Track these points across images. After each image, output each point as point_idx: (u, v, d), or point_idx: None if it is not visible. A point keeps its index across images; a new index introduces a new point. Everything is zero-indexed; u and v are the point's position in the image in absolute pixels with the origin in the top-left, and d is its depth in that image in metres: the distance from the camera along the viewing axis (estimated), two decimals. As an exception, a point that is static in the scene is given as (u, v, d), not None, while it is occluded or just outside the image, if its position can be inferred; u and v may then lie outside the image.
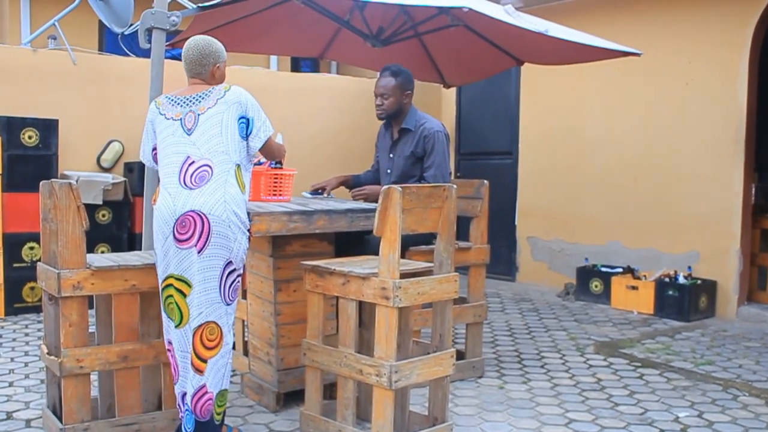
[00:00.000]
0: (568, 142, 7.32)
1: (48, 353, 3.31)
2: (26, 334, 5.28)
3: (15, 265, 5.83)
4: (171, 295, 3.07)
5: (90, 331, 3.28)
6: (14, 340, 5.13)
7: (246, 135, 3.18)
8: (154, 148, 3.28)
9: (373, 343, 3.20)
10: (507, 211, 7.80)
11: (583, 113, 7.22)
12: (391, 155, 4.58)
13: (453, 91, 8.31)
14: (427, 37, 5.68)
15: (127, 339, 3.28)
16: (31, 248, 5.84)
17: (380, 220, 3.08)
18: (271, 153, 3.44)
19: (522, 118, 7.76)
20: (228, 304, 3.10)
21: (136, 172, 6.27)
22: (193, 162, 3.07)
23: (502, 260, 7.78)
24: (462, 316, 4.34)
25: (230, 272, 3.07)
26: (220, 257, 3.02)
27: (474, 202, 4.45)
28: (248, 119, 3.18)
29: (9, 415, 3.69)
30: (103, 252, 6.08)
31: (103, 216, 6.17)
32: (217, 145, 3.08)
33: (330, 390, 3.66)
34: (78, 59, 6.37)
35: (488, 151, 8.17)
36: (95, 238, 5.97)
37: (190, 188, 3.02)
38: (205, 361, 3.06)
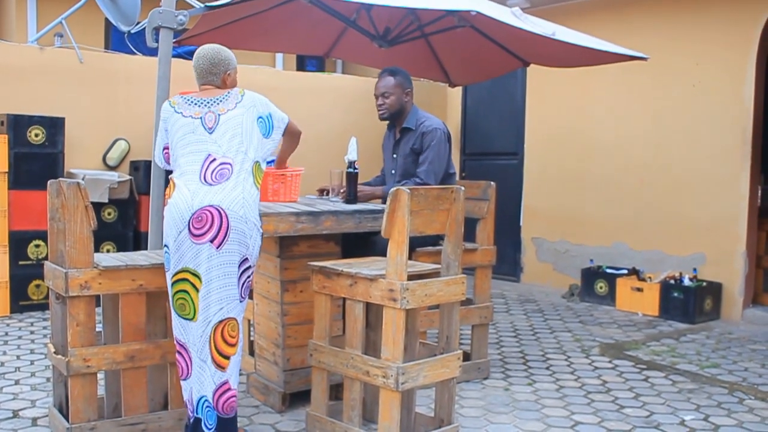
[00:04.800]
0: (574, 143, 7.31)
1: (55, 352, 3.31)
2: (32, 332, 5.28)
3: (21, 262, 5.83)
4: (184, 290, 3.06)
5: (97, 330, 3.28)
6: (20, 338, 5.13)
7: (268, 132, 3.27)
8: (165, 148, 3.31)
9: (379, 344, 3.20)
10: (512, 212, 7.80)
11: (589, 114, 7.21)
12: (394, 155, 4.58)
13: (459, 91, 8.31)
14: (433, 37, 5.68)
15: (134, 339, 3.28)
16: (37, 246, 5.85)
17: (388, 222, 3.08)
18: (293, 135, 3.51)
19: (528, 118, 7.76)
20: (241, 302, 3.13)
21: (141, 171, 6.27)
22: (214, 159, 3.11)
23: (507, 261, 7.78)
24: (468, 318, 4.34)
25: (246, 269, 3.10)
26: (238, 253, 3.04)
27: (480, 203, 4.45)
28: (265, 116, 3.27)
29: (15, 414, 3.70)
30: (108, 251, 6.09)
31: (109, 214, 6.17)
32: (239, 145, 3.13)
33: (336, 391, 3.66)
34: (84, 57, 6.38)
35: (494, 151, 8.16)
36: (101, 236, 5.97)
37: (210, 184, 3.06)
38: (227, 357, 3.08)
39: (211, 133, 3.16)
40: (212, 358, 3.06)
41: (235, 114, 3.18)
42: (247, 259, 3.08)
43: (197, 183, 3.08)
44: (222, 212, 3.01)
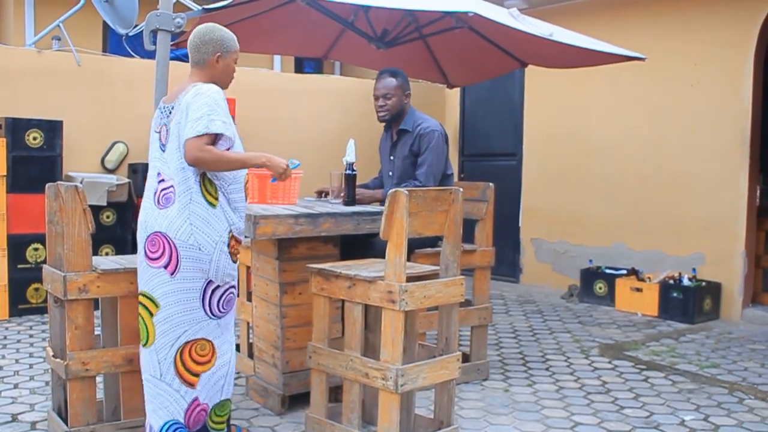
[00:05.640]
0: (573, 144, 7.31)
1: (53, 356, 3.31)
2: (30, 336, 5.28)
3: (19, 266, 5.82)
4: (138, 314, 3.00)
5: (96, 333, 3.28)
6: (19, 341, 5.12)
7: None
8: None
9: (378, 346, 3.19)
10: (511, 213, 7.80)
11: (587, 114, 7.21)
12: (391, 157, 4.57)
13: (457, 92, 8.31)
14: (431, 39, 5.69)
15: (133, 342, 3.26)
16: (36, 249, 5.84)
17: (387, 224, 3.08)
18: (192, 157, 2.82)
19: (526, 119, 7.76)
20: (220, 318, 3.00)
21: (140, 173, 6.27)
22: (163, 180, 2.94)
23: (506, 262, 7.77)
24: (467, 319, 4.33)
25: (214, 290, 2.96)
26: (197, 279, 2.91)
27: (479, 204, 4.44)
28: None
29: (14, 418, 3.69)
30: (107, 253, 6.08)
31: (108, 217, 6.17)
32: (178, 161, 2.88)
33: (335, 393, 3.65)
34: (82, 60, 6.37)
35: (492, 152, 8.16)
36: (99, 239, 5.97)
37: (159, 208, 2.92)
38: (196, 375, 2.98)
39: (163, 151, 2.95)
40: (180, 376, 2.96)
41: (175, 122, 2.90)
42: (211, 281, 2.93)
43: (151, 203, 2.96)
44: (170, 241, 2.87)
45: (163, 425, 2.98)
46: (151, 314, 2.94)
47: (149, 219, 2.94)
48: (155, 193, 2.96)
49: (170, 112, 2.94)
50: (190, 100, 2.86)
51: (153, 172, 3.01)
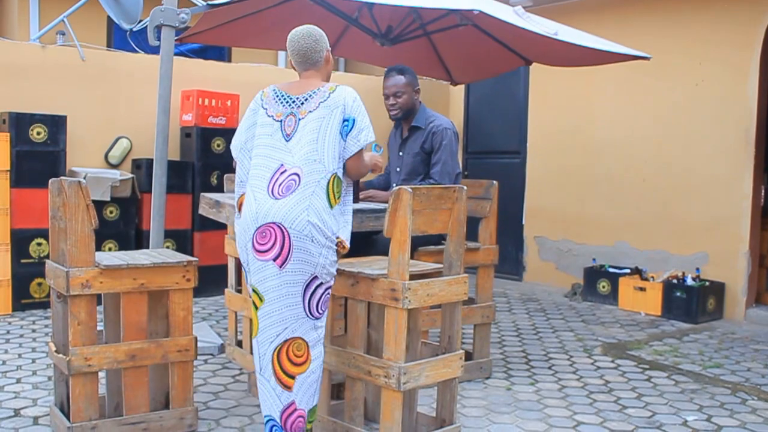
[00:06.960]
0: (577, 142, 7.30)
1: (56, 351, 3.31)
2: (33, 330, 5.28)
3: (22, 261, 5.83)
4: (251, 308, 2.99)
5: (98, 329, 3.28)
6: (22, 336, 5.13)
7: (344, 136, 2.96)
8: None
9: (381, 344, 3.19)
10: (514, 211, 7.79)
11: (592, 113, 7.20)
12: (400, 153, 4.57)
13: (461, 89, 8.30)
14: (435, 36, 5.67)
15: (136, 338, 3.28)
16: (39, 244, 5.85)
17: (390, 222, 3.07)
18: (356, 167, 3.02)
19: (530, 117, 7.74)
20: (317, 318, 2.95)
21: (144, 169, 6.27)
22: (285, 171, 2.90)
23: (509, 260, 7.77)
24: (470, 317, 4.33)
25: (317, 287, 2.91)
26: (303, 272, 2.86)
27: (483, 202, 4.44)
28: (352, 120, 2.95)
29: (17, 412, 3.69)
30: (110, 249, 6.08)
31: (111, 212, 6.17)
32: (311, 153, 2.89)
33: (338, 390, 3.65)
34: (86, 55, 6.37)
35: (496, 150, 8.15)
36: (102, 234, 5.98)
37: (276, 198, 2.85)
38: (293, 377, 2.93)
39: (288, 141, 2.93)
40: (276, 377, 2.92)
41: (315, 117, 2.92)
42: (316, 277, 2.88)
43: (264, 194, 2.89)
44: (284, 230, 2.82)
45: (265, 417, 2.98)
46: (257, 308, 2.93)
47: (261, 210, 2.86)
48: (270, 183, 2.90)
49: (302, 104, 2.96)
50: (350, 103, 2.96)
51: (269, 162, 2.94)
